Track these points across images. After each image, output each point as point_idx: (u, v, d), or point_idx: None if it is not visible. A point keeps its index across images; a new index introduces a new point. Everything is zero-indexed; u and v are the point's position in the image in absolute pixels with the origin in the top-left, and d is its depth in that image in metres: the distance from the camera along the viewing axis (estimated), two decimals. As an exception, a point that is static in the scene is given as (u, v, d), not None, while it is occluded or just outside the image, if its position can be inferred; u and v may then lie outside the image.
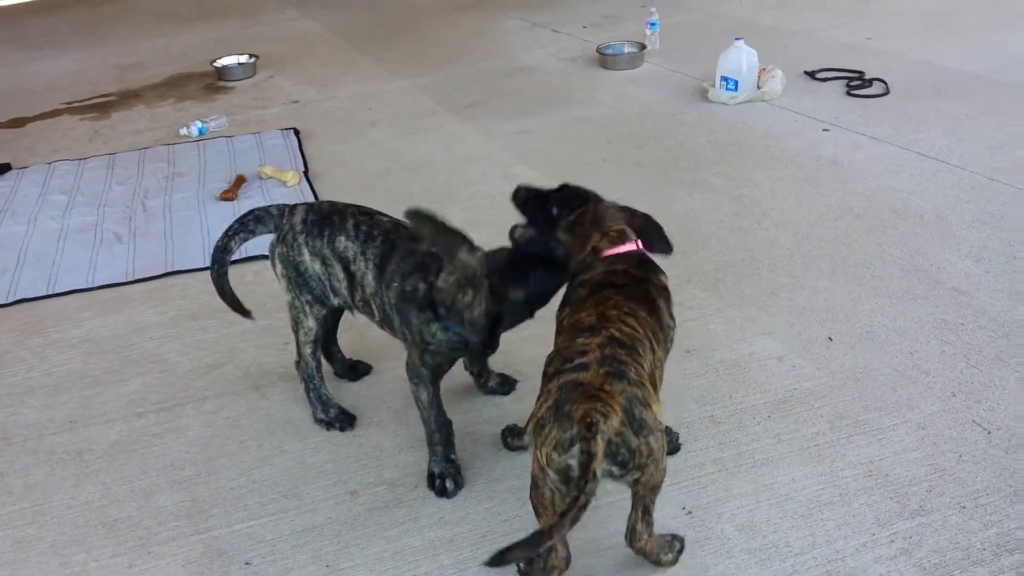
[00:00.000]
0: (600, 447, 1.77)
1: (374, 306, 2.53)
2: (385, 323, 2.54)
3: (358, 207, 2.66)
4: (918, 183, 4.13)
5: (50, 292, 3.75)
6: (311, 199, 4.41)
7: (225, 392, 3.04)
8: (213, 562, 2.34)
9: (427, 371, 2.44)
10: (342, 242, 2.55)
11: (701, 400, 2.79)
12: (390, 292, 2.43)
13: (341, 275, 2.57)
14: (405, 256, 2.42)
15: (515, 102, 5.67)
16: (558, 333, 2.17)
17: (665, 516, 2.36)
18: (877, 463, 2.45)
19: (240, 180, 4.65)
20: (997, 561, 2.10)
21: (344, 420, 2.80)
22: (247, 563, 2.32)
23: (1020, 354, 2.86)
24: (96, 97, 6.41)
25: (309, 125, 5.50)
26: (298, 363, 2.81)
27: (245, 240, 2.77)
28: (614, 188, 4.38)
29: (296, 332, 2.78)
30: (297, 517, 2.47)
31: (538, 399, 1.97)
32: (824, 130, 4.83)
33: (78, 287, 3.77)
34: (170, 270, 3.84)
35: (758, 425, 2.66)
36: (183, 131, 5.45)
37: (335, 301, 2.66)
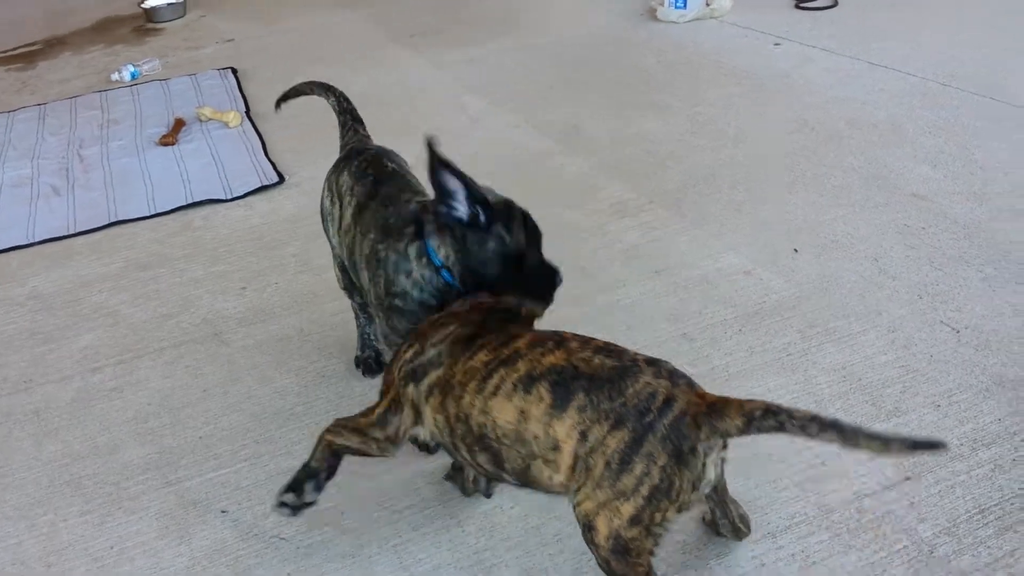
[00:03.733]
0: None
1: (345, 251, 2.32)
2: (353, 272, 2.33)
3: (387, 153, 2.45)
4: (871, 93, 4.12)
5: (-12, 250, 3.58)
6: (255, 140, 4.26)
7: (183, 341, 2.94)
8: (188, 512, 2.27)
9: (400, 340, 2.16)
10: (344, 177, 2.35)
11: (672, 319, 2.77)
12: (363, 225, 2.17)
13: (336, 215, 2.37)
14: (396, 189, 2.22)
15: (462, 30, 5.52)
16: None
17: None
18: (850, 368, 2.46)
19: (179, 124, 4.46)
20: (974, 455, 2.13)
21: (371, 368, 2.67)
22: (223, 511, 2.26)
23: (982, 254, 2.89)
24: (21, 47, 6.08)
25: (247, 64, 5.29)
26: None
27: None
28: (567, 114, 4.33)
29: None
30: (271, 461, 2.40)
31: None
32: (775, 44, 4.79)
33: (18, 243, 3.60)
34: (113, 220, 3.68)
35: (730, 339, 2.66)
36: (115, 76, 5.20)
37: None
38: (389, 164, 2.36)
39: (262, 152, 4.13)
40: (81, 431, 2.60)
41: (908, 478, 2.08)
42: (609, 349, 1.73)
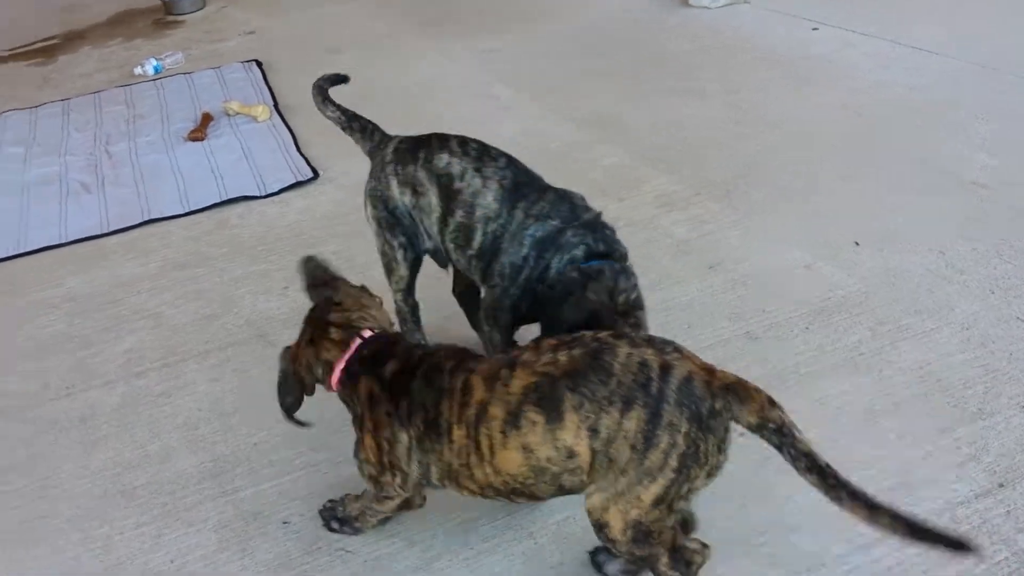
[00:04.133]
0: None
1: (477, 233, 2.23)
2: (478, 258, 2.26)
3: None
4: (915, 77, 4.01)
5: (21, 251, 3.50)
6: (286, 135, 4.17)
7: (228, 344, 2.86)
8: (248, 524, 2.20)
9: (509, 316, 2.23)
10: (444, 159, 2.28)
11: (733, 317, 2.69)
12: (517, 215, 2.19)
13: (434, 202, 2.29)
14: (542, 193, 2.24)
15: (483, 18, 5.41)
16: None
17: (715, 438, 2.27)
18: (927, 368, 2.38)
19: (207, 118, 4.37)
20: (1069, 459, 2.05)
21: None
22: (285, 522, 2.19)
23: (1051, 246, 2.79)
24: (39, 42, 5.97)
25: (270, 56, 5.19)
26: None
27: None
28: (600, 103, 4.24)
29: (388, 280, 2.52)
30: (330, 469, 2.33)
31: None
32: (813, 29, 4.67)
33: (51, 243, 3.52)
34: (147, 218, 3.60)
35: (797, 338, 2.57)
36: (137, 70, 5.11)
37: (427, 244, 2.41)
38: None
39: (294, 147, 4.04)
40: (130, 438, 2.53)
41: (1002, 485, 2.00)
42: (564, 341, 1.67)
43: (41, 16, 6.57)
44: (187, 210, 3.63)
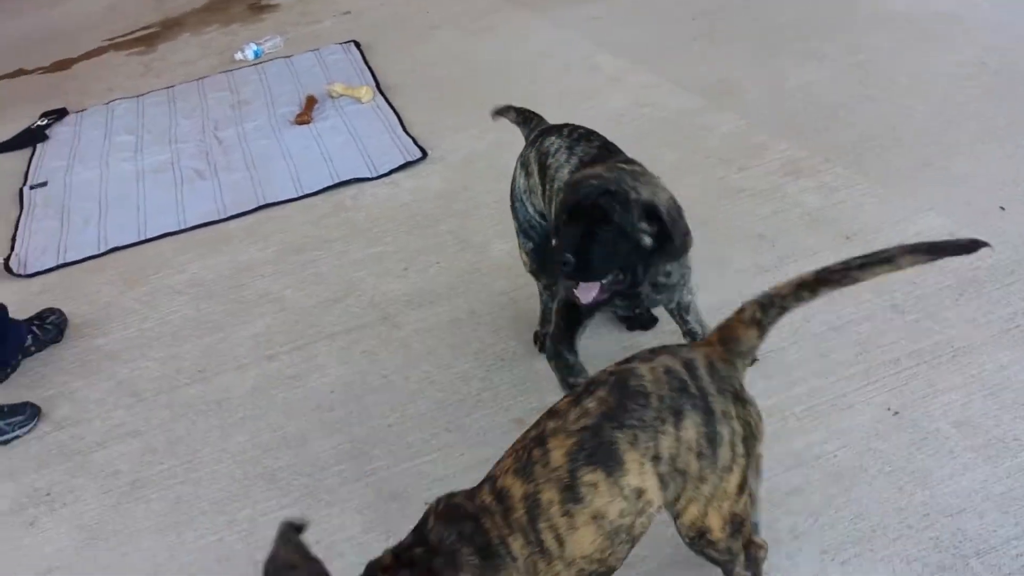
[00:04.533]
0: None
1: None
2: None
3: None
4: (1055, 29, 3.76)
5: (142, 238, 3.57)
6: (391, 115, 4.15)
7: (354, 326, 2.86)
8: (389, 505, 2.20)
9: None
10: (550, 140, 2.29)
11: (877, 290, 2.55)
12: None
13: (536, 180, 2.30)
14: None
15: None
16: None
17: (869, 420, 2.17)
18: (1098, 339, 2.22)
19: (311, 101, 4.38)
20: None
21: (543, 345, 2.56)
22: (426, 503, 2.16)
23: None
24: (138, 30, 6.08)
25: (367, 36, 5.17)
26: None
27: None
28: (713, 69, 4.09)
29: None
30: (467, 451, 2.31)
31: None
32: (932, -17, 4.42)
33: (170, 230, 3.58)
34: (262, 203, 3.63)
35: (948, 310, 2.43)
36: (238, 55, 5.15)
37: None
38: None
39: (400, 127, 4.01)
40: (266, 422, 2.56)
41: None
42: (578, 394, 1.57)
43: (136, 5, 6.70)
44: (301, 194, 3.64)
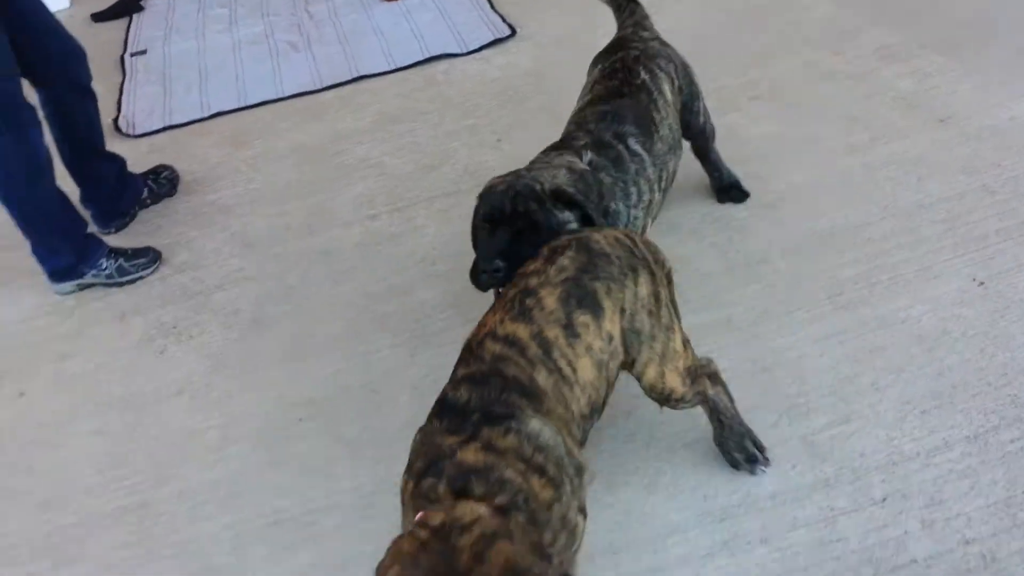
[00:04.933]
0: None
1: None
2: None
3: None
4: None
5: (243, 105, 3.72)
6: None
7: (451, 192, 3.00)
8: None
9: None
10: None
11: (968, 170, 2.61)
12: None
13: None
14: None
15: None
16: None
17: (954, 289, 2.27)
18: None
19: (400, -21, 4.43)
20: None
21: None
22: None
23: None
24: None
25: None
26: None
27: None
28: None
29: None
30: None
31: None
32: None
33: (269, 98, 3.72)
34: (356, 75, 3.74)
35: (1039, 191, 2.49)
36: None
37: None
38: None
39: (488, 5, 4.06)
40: (372, 273, 2.73)
41: None
42: (544, 256, 1.73)
43: None
44: (393, 67, 3.75)
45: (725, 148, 2.68)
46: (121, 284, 2.83)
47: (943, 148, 2.71)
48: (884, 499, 1.86)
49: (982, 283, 2.27)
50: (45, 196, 2.70)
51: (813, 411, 2.06)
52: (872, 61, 3.17)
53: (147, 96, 3.89)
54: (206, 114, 3.69)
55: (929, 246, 2.40)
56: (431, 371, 2.32)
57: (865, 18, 3.42)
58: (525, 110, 3.34)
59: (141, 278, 2.86)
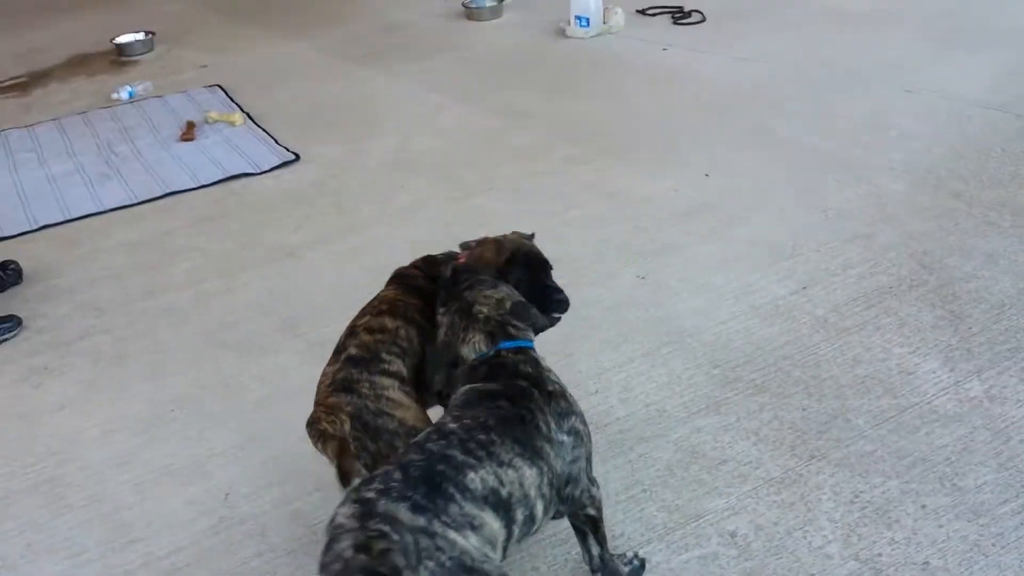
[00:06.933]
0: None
1: None
2: None
3: None
4: (743, 76, 5.45)
5: (67, 218, 4.38)
6: (262, 133, 5.19)
7: (268, 260, 3.87)
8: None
9: None
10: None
11: (627, 220, 3.92)
12: None
13: None
14: None
15: (404, 52, 6.60)
16: None
17: (627, 284, 3.46)
18: None
19: (191, 124, 5.34)
20: None
21: None
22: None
23: None
24: (8, 80, 6.75)
25: (228, 83, 6.20)
26: None
27: None
28: (512, 102, 5.46)
29: None
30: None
31: None
32: (664, 49, 6.09)
33: (91, 211, 4.42)
34: (167, 191, 4.56)
35: None
36: (114, 95, 5.99)
37: None
38: None
39: (273, 141, 5.07)
40: (208, 316, 3.50)
41: (797, 275, 3.28)
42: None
43: (0, 60, 7.31)
44: (199, 184, 4.61)
45: (472, 222, 3.79)
46: (-13, 346, 3.38)
47: (614, 210, 4.00)
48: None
49: (643, 277, 3.49)
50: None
51: None
52: (562, 164, 4.51)
53: (-29, 217, 4.44)
54: (34, 227, 4.32)
55: (608, 263, 3.62)
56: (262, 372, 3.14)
57: (559, 141, 4.81)
58: (314, 206, 4.32)
59: (6, 340, 3.42)
